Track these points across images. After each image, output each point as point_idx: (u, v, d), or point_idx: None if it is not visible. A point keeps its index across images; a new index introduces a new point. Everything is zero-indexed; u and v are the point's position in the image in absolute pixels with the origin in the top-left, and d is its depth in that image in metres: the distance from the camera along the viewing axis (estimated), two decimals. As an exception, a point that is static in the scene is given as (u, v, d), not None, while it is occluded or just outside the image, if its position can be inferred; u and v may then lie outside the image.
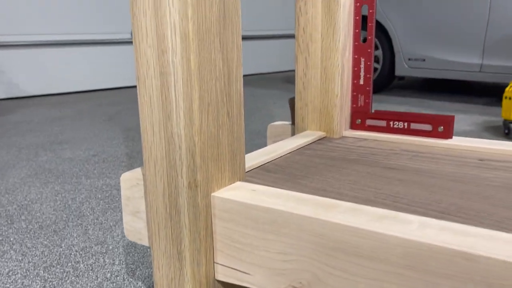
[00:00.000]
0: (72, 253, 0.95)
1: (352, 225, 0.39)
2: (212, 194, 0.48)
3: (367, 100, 0.77)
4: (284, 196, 0.46)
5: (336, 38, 0.71)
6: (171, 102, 0.45)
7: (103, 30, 3.63)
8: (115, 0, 3.67)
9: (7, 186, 1.40)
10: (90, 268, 0.89)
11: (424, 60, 2.99)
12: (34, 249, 0.98)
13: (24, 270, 0.89)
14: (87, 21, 3.54)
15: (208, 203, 0.47)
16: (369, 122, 0.77)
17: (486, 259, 0.33)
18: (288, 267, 0.44)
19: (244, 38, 4.62)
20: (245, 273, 0.47)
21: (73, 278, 0.86)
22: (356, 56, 0.75)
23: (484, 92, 3.21)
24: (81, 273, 0.87)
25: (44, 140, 2.02)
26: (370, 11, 0.73)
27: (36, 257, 0.94)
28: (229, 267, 0.48)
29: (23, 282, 0.84)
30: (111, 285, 0.83)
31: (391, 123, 0.75)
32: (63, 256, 0.94)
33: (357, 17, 0.74)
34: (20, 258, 0.94)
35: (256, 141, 1.91)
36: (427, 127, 0.71)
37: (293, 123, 0.83)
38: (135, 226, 0.56)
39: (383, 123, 0.75)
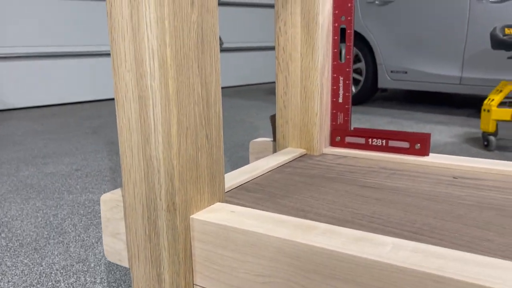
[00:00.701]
0: (53, 272, 0.94)
1: (328, 248, 0.40)
2: (191, 216, 0.48)
3: (346, 118, 0.78)
4: (262, 218, 0.47)
5: (315, 58, 0.73)
6: (149, 126, 0.45)
7: (85, 42, 3.62)
8: (96, 12, 3.67)
9: (-14, 203, 1.38)
10: (71, 287, 0.88)
11: (406, 72, 3.05)
12: (14, 268, 0.96)
13: (3, 291, 0.88)
14: (69, 33, 3.53)
15: (187, 225, 0.48)
16: (348, 139, 0.78)
17: (455, 281, 0.34)
18: (266, 289, 0.44)
19: (227, 50, 4.65)
20: (224, 294, 0.48)
21: (53, 298, 0.85)
22: (335, 75, 0.77)
23: (464, 104, 3.27)
24: (61, 293, 0.86)
25: (26, 154, 2.00)
26: (348, 31, 0.74)
27: (16, 277, 0.92)
28: (208, 289, 0.49)
29: (1, 303, 0.83)
30: (92, 304, 0.82)
31: (370, 140, 0.76)
32: (44, 275, 0.93)
33: (336, 37, 0.75)
34: (0, 278, 0.92)
35: (241, 153, 1.91)
36: (405, 144, 0.73)
37: (274, 139, 0.84)
38: (115, 248, 0.56)
39: (362, 141, 0.77)
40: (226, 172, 1.54)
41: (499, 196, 0.54)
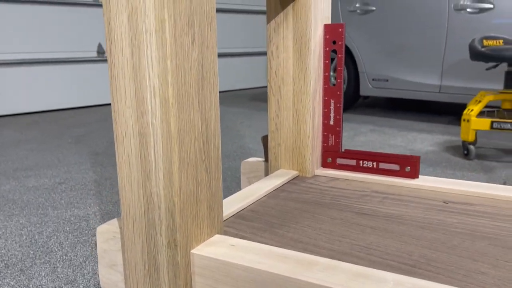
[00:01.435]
0: (41, 295, 0.93)
1: (329, 286, 0.41)
2: (192, 251, 0.48)
3: (337, 140, 0.79)
4: (262, 252, 0.47)
5: (307, 82, 0.74)
6: (150, 163, 0.45)
7: (68, 49, 3.57)
8: (79, 18, 3.62)
9: (-32, 220, 1.35)
10: (61, 310, 0.87)
11: (387, 80, 3.10)
12: (-1, 291, 0.94)
13: (-10, 316, 0.86)
14: (51, 39, 3.47)
15: (187, 261, 0.48)
16: (339, 161, 0.79)
17: (456, 322, 0.35)
18: (268, 324, 0.45)
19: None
20: (225, 328, 0.48)
21: (42, 322, 0.83)
22: (326, 98, 0.78)
23: (445, 111, 3.34)
24: (51, 317, 0.85)
25: (7, 166, 1.96)
26: (339, 56, 0.76)
27: (2, 300, 0.91)
28: (209, 323, 0.49)
29: (-11, 330, 0.81)
30: (83, 329, 0.81)
31: (361, 162, 0.77)
32: (31, 298, 0.91)
33: (327, 61, 0.77)
34: (-15, 302, 0.90)
35: (227, 164, 1.91)
36: (395, 167, 0.75)
37: (266, 160, 0.85)
38: (111, 279, 0.56)
39: (353, 162, 0.78)
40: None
41: (490, 224, 0.56)
